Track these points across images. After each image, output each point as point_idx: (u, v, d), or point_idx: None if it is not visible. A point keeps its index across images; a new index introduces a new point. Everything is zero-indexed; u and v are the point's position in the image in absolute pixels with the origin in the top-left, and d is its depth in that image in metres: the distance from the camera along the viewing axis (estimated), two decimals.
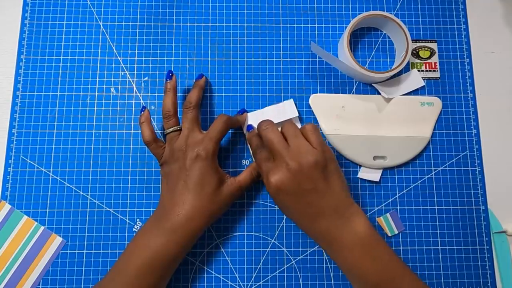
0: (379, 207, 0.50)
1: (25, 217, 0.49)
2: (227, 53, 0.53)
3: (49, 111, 0.51)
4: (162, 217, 0.44)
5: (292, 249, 0.49)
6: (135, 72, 0.52)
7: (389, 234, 0.50)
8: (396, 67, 0.50)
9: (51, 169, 0.50)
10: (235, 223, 0.50)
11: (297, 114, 0.51)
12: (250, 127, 0.49)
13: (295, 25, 0.54)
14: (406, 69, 0.53)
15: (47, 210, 0.49)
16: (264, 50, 0.53)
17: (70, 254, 0.48)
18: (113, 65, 0.52)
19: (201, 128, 0.48)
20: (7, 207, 0.49)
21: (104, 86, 0.52)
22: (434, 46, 0.54)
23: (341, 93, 0.53)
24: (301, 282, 0.48)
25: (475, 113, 0.53)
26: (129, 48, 0.53)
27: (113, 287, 0.42)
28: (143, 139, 0.46)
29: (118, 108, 0.51)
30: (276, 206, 0.50)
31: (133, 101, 0.52)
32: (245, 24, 0.54)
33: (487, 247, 0.50)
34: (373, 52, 0.54)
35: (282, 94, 0.52)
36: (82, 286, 0.47)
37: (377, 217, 0.50)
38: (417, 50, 0.54)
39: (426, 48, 0.54)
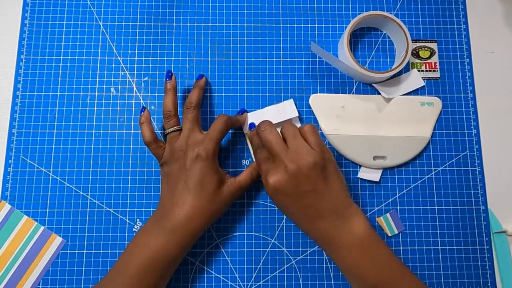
0: (379, 207, 0.50)
1: (25, 217, 0.49)
2: (227, 53, 0.53)
3: (49, 111, 0.51)
4: (162, 217, 0.44)
5: (292, 249, 0.49)
6: (135, 72, 0.52)
7: (389, 234, 0.50)
8: (396, 67, 0.50)
9: (51, 169, 0.50)
10: (235, 223, 0.50)
11: (297, 114, 0.51)
12: (252, 125, 0.49)
13: (295, 25, 0.54)
14: (406, 69, 0.53)
15: (47, 210, 0.49)
16: (264, 50, 0.53)
17: (70, 254, 0.48)
18: (113, 65, 0.52)
19: (202, 128, 0.48)
20: (7, 207, 0.49)
21: (104, 86, 0.52)
22: (434, 46, 0.54)
23: (341, 93, 0.53)
24: (301, 282, 0.48)
25: (475, 113, 0.53)
26: (129, 48, 0.53)
27: (113, 287, 0.42)
28: (143, 139, 0.46)
29: (118, 108, 0.51)
30: (276, 206, 0.50)
31: (133, 101, 0.52)
32: (245, 24, 0.54)
33: (487, 247, 0.50)
34: (373, 52, 0.54)
35: (282, 94, 0.52)
36: (82, 286, 0.48)
37: (377, 217, 0.50)
38: (417, 50, 0.54)
39: (426, 48, 0.54)
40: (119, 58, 0.53)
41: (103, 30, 0.53)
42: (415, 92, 0.53)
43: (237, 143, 0.51)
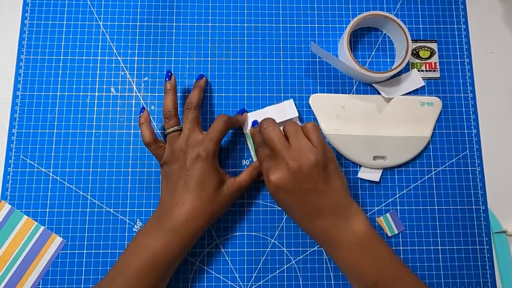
0: (379, 207, 0.50)
1: (25, 217, 0.49)
2: (227, 53, 0.53)
3: (49, 111, 0.51)
4: (162, 217, 0.44)
5: (292, 249, 0.49)
6: (135, 72, 0.52)
7: (389, 234, 0.50)
8: (396, 67, 0.50)
9: (51, 169, 0.50)
10: (235, 223, 0.50)
11: (297, 114, 0.51)
12: (255, 122, 0.49)
13: (295, 25, 0.54)
14: (406, 69, 0.53)
15: (47, 210, 0.49)
16: (264, 50, 0.53)
17: (70, 254, 0.48)
18: (113, 65, 0.52)
19: (202, 129, 0.48)
20: (7, 207, 0.49)
21: (104, 86, 0.52)
22: (434, 46, 0.54)
23: (341, 93, 0.53)
24: (301, 282, 0.48)
25: (475, 113, 0.53)
26: (129, 48, 0.53)
27: (113, 287, 0.42)
28: (143, 140, 0.46)
29: (118, 108, 0.51)
30: (276, 206, 0.50)
31: (133, 101, 0.52)
32: (245, 24, 0.54)
33: (487, 247, 0.50)
34: (373, 52, 0.54)
35: (282, 94, 0.52)
36: (82, 286, 0.47)
37: (377, 217, 0.50)
38: (417, 50, 0.54)
39: (426, 48, 0.54)
40: (119, 58, 0.53)
41: (103, 30, 0.53)
42: (415, 92, 0.53)
43: (237, 143, 0.51)
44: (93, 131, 0.51)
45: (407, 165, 0.51)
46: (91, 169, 0.50)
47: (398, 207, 0.50)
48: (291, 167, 0.42)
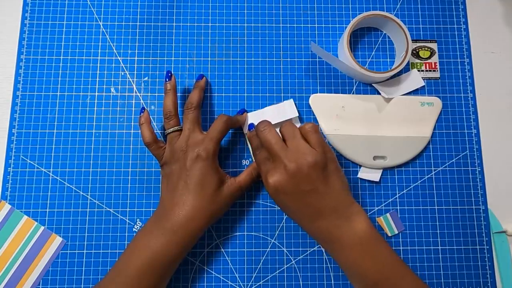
0: (379, 207, 0.50)
1: (25, 217, 0.49)
2: (227, 53, 0.53)
3: (49, 111, 0.51)
4: (163, 217, 0.44)
5: (292, 249, 0.49)
6: (135, 72, 0.52)
7: (389, 234, 0.50)
8: (396, 67, 0.50)
9: (51, 169, 0.50)
10: (235, 223, 0.50)
11: (297, 114, 0.51)
12: (251, 126, 0.49)
13: (295, 25, 0.54)
14: (406, 69, 0.53)
15: (47, 210, 0.49)
16: (264, 50, 0.53)
17: (70, 254, 0.48)
18: (113, 65, 0.52)
19: (202, 129, 0.48)
20: (7, 207, 0.49)
21: (104, 86, 0.52)
22: (434, 46, 0.54)
23: (341, 93, 0.53)
24: (301, 282, 0.48)
25: (475, 113, 0.53)
26: (129, 48, 0.53)
27: (113, 287, 0.42)
28: (143, 140, 0.46)
29: (118, 108, 0.51)
30: (276, 206, 0.50)
31: (133, 101, 0.52)
32: (245, 24, 0.54)
33: (487, 247, 0.50)
34: (373, 52, 0.54)
35: (282, 94, 0.52)
36: (82, 286, 0.48)
37: (377, 217, 0.50)
38: (417, 50, 0.54)
39: (426, 48, 0.54)
40: (119, 58, 0.53)
41: (103, 30, 0.53)
42: (415, 92, 0.53)
43: (237, 143, 0.51)
44: (93, 131, 0.51)
45: (407, 165, 0.51)
46: (91, 169, 0.50)
47: (398, 207, 0.50)
48: (289, 169, 0.42)
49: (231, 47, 0.53)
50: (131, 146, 0.51)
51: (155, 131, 0.47)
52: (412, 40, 0.52)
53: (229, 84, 0.52)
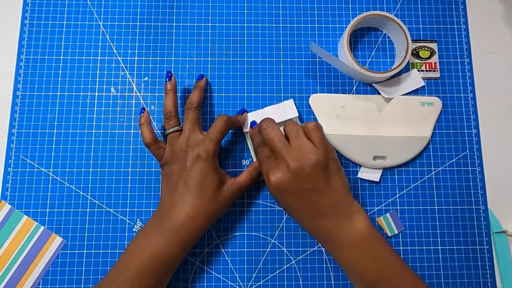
0: (379, 207, 0.50)
1: (25, 217, 0.49)
2: (227, 53, 0.53)
3: (49, 111, 0.51)
4: (163, 217, 0.44)
5: (292, 249, 0.49)
6: (135, 72, 0.52)
7: (389, 234, 0.50)
8: (396, 67, 0.50)
9: (51, 169, 0.50)
10: (235, 223, 0.50)
11: (297, 114, 0.51)
12: (253, 123, 0.49)
13: (295, 25, 0.54)
14: (406, 69, 0.53)
15: (47, 210, 0.49)
16: (264, 50, 0.53)
17: (70, 254, 0.48)
18: (113, 65, 0.52)
19: (202, 129, 0.48)
20: (7, 207, 0.49)
21: (104, 86, 0.52)
22: (434, 46, 0.54)
23: (341, 93, 0.53)
24: (301, 282, 0.48)
25: (475, 113, 0.53)
26: (129, 48, 0.53)
27: (113, 287, 0.42)
28: (144, 140, 0.46)
29: (118, 108, 0.51)
30: (276, 206, 0.50)
31: (133, 101, 0.52)
32: (245, 24, 0.54)
33: (487, 247, 0.50)
34: (373, 52, 0.54)
35: (282, 94, 0.52)
36: (82, 286, 0.47)
37: (377, 217, 0.50)
38: (417, 50, 0.54)
39: (426, 48, 0.54)
40: (119, 58, 0.53)
41: (103, 30, 0.53)
42: (415, 92, 0.53)
43: (237, 143, 0.51)
44: (93, 131, 0.51)
45: (407, 165, 0.51)
46: (91, 169, 0.50)
47: (398, 207, 0.50)
48: (292, 167, 0.42)
49: (231, 47, 0.53)
50: (131, 146, 0.51)
51: (155, 131, 0.47)
52: (412, 40, 0.52)
53: (229, 84, 0.52)
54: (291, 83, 0.53)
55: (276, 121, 0.50)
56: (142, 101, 0.52)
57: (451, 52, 0.54)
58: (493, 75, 0.54)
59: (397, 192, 0.51)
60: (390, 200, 0.51)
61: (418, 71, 0.53)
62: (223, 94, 0.52)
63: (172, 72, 0.49)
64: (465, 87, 0.53)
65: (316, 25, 0.54)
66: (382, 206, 0.50)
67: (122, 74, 0.52)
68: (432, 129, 0.52)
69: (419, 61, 0.54)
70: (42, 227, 0.49)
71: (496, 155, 0.52)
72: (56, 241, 0.48)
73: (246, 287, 0.48)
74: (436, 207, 0.50)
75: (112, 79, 0.52)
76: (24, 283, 0.47)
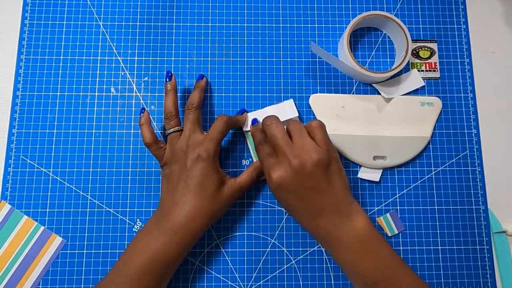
0: (379, 207, 0.50)
1: (25, 217, 0.49)
2: (227, 53, 0.53)
3: (49, 111, 0.51)
4: (163, 217, 0.44)
5: (292, 249, 0.49)
6: (135, 72, 0.52)
7: (389, 234, 0.50)
8: (396, 67, 0.50)
9: (51, 169, 0.50)
10: (235, 223, 0.50)
11: (297, 114, 0.51)
12: (255, 120, 0.49)
13: (295, 25, 0.54)
14: (406, 69, 0.53)
15: (47, 210, 0.49)
16: (264, 50, 0.53)
17: (70, 254, 0.48)
18: (113, 65, 0.52)
19: (202, 129, 0.47)
20: (7, 207, 0.49)
21: (104, 86, 0.52)
22: (434, 46, 0.54)
23: (341, 93, 0.53)
24: (301, 282, 0.48)
25: (475, 113, 0.53)
26: (129, 48, 0.53)
27: (113, 287, 0.42)
28: (144, 141, 0.46)
29: (118, 108, 0.51)
30: (277, 206, 0.50)
31: (133, 101, 0.52)
32: (245, 24, 0.54)
33: (487, 247, 0.50)
34: (373, 52, 0.54)
35: (282, 94, 0.52)
36: (82, 286, 0.47)
37: (377, 217, 0.50)
38: (417, 50, 0.54)
39: (426, 48, 0.54)
40: (119, 58, 0.53)
41: (103, 30, 0.53)
42: (415, 92, 0.53)
43: (237, 143, 0.51)
44: (93, 131, 0.51)
45: (407, 165, 0.51)
46: (91, 169, 0.50)
47: (398, 207, 0.50)
48: (294, 165, 0.42)
49: (231, 47, 0.53)
50: (131, 146, 0.51)
51: (155, 131, 0.47)
52: (412, 40, 0.52)
53: (229, 84, 0.52)
54: (291, 83, 0.53)
55: None
56: (142, 101, 0.52)
57: (451, 52, 0.54)
58: (493, 75, 0.54)
59: (397, 192, 0.51)
60: (390, 200, 0.51)
61: (418, 71, 0.53)
62: (223, 94, 0.52)
63: (172, 72, 0.49)
64: (465, 87, 0.53)
65: (316, 25, 0.54)
66: (382, 206, 0.51)
67: (122, 74, 0.52)
68: (432, 129, 0.52)
69: (419, 61, 0.54)
70: (42, 227, 0.49)
71: (496, 155, 0.52)
72: (56, 241, 0.48)
73: (246, 287, 0.48)
74: (436, 207, 0.50)
75: (112, 79, 0.52)
76: (24, 283, 0.47)
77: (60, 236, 0.48)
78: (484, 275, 0.49)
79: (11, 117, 0.51)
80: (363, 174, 0.51)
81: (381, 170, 0.51)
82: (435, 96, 0.53)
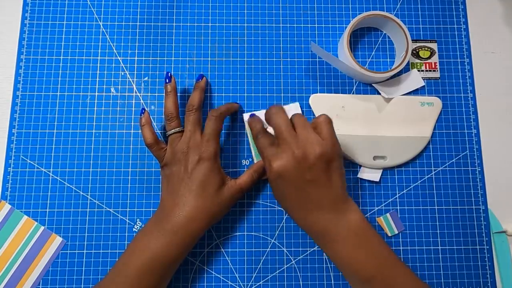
0: (379, 207, 0.50)
1: (25, 217, 0.49)
2: (227, 53, 0.53)
3: (49, 111, 0.51)
4: (163, 218, 0.44)
5: (292, 249, 0.49)
6: (135, 72, 0.52)
7: (389, 234, 0.50)
8: (396, 67, 0.50)
9: (51, 169, 0.50)
10: (235, 223, 0.50)
11: None
12: (252, 115, 0.49)
13: (295, 25, 0.54)
14: (406, 69, 0.53)
15: (47, 210, 0.49)
16: (264, 50, 0.53)
17: (70, 254, 0.48)
18: (113, 65, 0.52)
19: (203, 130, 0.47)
20: (7, 207, 0.49)
21: (104, 86, 0.52)
22: (434, 46, 0.54)
23: (341, 93, 0.53)
24: (301, 282, 0.48)
25: (475, 113, 0.53)
26: (129, 48, 0.53)
27: (113, 287, 0.42)
28: (145, 141, 0.46)
29: (118, 108, 0.51)
30: (277, 206, 0.50)
31: (133, 101, 0.52)
32: (245, 24, 0.54)
33: (487, 247, 0.50)
34: (373, 52, 0.54)
35: (282, 94, 0.52)
36: (82, 286, 0.47)
37: (377, 217, 0.50)
38: (417, 50, 0.54)
39: (426, 48, 0.54)
40: (119, 58, 0.53)
41: (103, 30, 0.53)
42: (415, 92, 0.53)
43: (237, 143, 0.51)
44: (93, 131, 0.51)
45: (407, 165, 0.51)
46: (91, 169, 0.50)
47: (398, 207, 0.50)
48: (297, 155, 0.42)
49: (231, 47, 0.53)
50: (131, 146, 0.51)
51: (155, 132, 0.47)
52: (412, 40, 0.52)
53: (229, 84, 0.52)
54: (291, 83, 0.53)
55: None
56: (142, 101, 0.52)
57: (451, 52, 0.54)
58: (493, 75, 0.54)
59: (397, 192, 0.51)
60: (390, 200, 0.51)
61: (418, 71, 0.53)
62: (223, 94, 0.52)
63: (172, 73, 0.49)
64: (465, 87, 0.53)
65: (316, 25, 0.54)
66: (382, 206, 0.50)
67: (122, 74, 0.52)
68: (432, 129, 0.52)
69: (419, 61, 0.54)
70: (42, 227, 0.49)
71: (496, 155, 0.52)
72: (56, 241, 0.48)
73: (246, 287, 0.48)
74: (436, 207, 0.50)
75: (112, 79, 0.52)
76: (24, 283, 0.47)
77: (60, 236, 0.48)
78: (484, 275, 0.49)
79: (11, 117, 0.51)
80: (363, 174, 0.51)
81: (381, 170, 0.51)
82: (435, 96, 0.53)
